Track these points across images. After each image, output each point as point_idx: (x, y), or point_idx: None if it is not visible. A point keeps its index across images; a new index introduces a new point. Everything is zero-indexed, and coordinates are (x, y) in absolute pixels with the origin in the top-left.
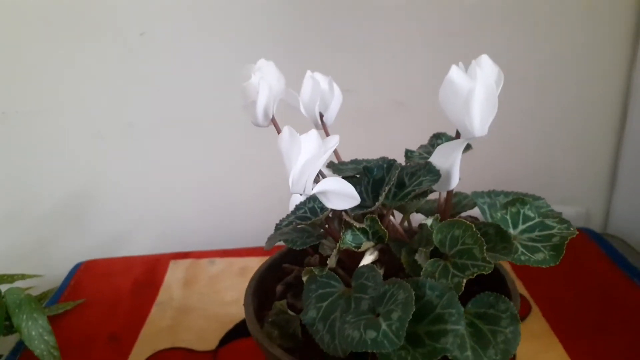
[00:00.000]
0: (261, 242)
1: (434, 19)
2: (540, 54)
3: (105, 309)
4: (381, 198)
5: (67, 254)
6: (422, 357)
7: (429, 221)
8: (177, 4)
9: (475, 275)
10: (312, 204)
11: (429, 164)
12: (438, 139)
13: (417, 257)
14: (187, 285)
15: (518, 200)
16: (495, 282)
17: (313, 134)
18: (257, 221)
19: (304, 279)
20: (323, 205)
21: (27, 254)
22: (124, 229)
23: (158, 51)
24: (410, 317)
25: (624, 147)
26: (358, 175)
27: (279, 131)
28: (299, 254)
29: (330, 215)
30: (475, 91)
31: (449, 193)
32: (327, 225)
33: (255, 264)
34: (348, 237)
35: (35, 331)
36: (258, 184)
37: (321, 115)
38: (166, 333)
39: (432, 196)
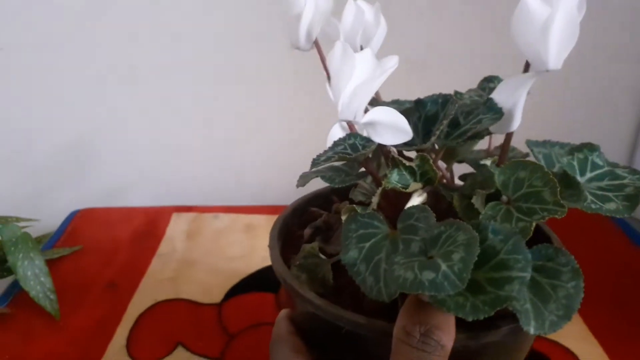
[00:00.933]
0: (267, 200)
1: None
2: None
3: (103, 257)
4: (435, 135)
5: (64, 203)
6: (483, 305)
7: (487, 162)
8: None
9: (546, 219)
10: (353, 140)
11: (490, 100)
12: (490, 82)
13: (474, 200)
14: (190, 238)
15: (586, 146)
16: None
17: (368, 53)
18: (264, 179)
19: (343, 217)
20: (365, 142)
21: (21, 202)
22: (125, 180)
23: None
24: (475, 258)
25: None
26: (407, 112)
27: (321, 56)
28: (324, 201)
29: (371, 153)
30: (556, 17)
31: (509, 135)
32: (368, 164)
33: (261, 221)
34: (394, 177)
35: (32, 271)
36: (267, 142)
37: (363, 49)
38: (168, 284)
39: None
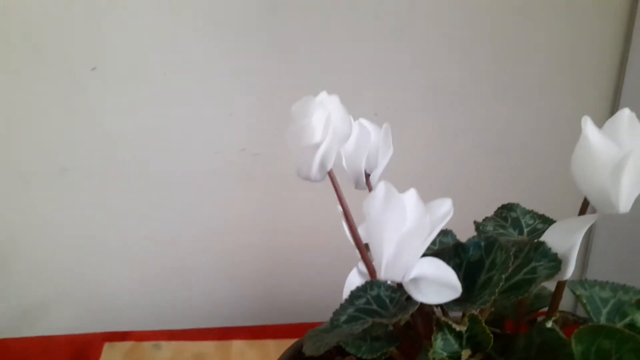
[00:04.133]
0: (220, 321)
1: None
2: (529, 64)
3: None
4: (495, 291)
5: None
6: None
7: (549, 323)
8: (137, 36)
9: None
10: (377, 291)
11: (543, 245)
12: (511, 211)
13: None
14: None
15: None
16: None
17: (413, 195)
18: (215, 295)
19: None
20: (391, 293)
21: None
22: (43, 300)
23: (108, 89)
24: None
25: None
26: (443, 256)
27: (336, 187)
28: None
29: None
30: (629, 161)
31: (561, 285)
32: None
33: (212, 349)
34: (439, 343)
35: None
36: (217, 248)
37: (367, 174)
38: None
39: None
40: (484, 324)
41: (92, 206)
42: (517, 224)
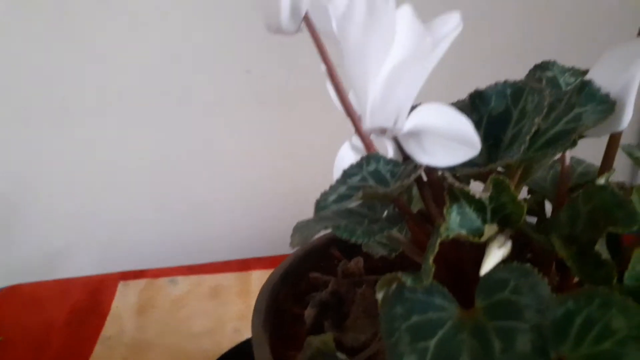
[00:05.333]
0: (236, 254)
1: None
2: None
3: (32, 348)
4: (526, 138)
5: None
6: None
7: (601, 180)
8: None
9: None
10: (375, 166)
11: (589, 84)
12: (545, 70)
13: (598, 246)
14: (142, 312)
15: None
16: None
17: (408, 11)
18: (231, 228)
19: (379, 295)
20: (392, 168)
21: None
22: (57, 244)
23: (102, 10)
24: None
25: None
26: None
27: (315, 38)
28: (319, 257)
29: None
30: None
31: (615, 137)
32: (400, 200)
33: (230, 282)
34: (454, 218)
35: None
36: (233, 182)
37: None
38: None
39: None
40: (513, 191)
41: (98, 143)
42: (555, 85)
